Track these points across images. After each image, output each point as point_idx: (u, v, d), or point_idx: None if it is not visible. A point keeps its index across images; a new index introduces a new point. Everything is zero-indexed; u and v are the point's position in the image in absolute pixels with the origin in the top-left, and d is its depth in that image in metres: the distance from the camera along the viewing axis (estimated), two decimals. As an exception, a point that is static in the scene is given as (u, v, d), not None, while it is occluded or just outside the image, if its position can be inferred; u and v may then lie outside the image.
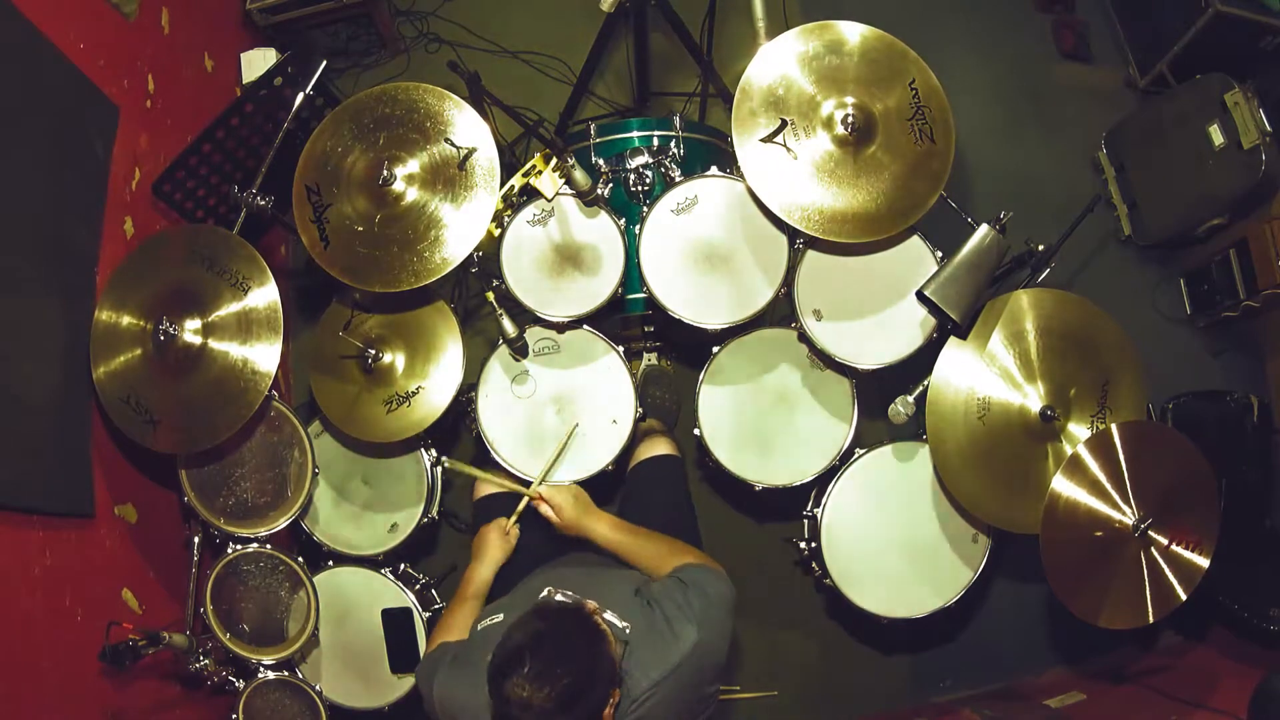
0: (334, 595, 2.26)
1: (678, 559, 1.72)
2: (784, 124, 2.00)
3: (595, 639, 1.39)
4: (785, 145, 1.99)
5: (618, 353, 2.23)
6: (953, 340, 2.07)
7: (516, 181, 2.13)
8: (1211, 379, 2.87)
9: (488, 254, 2.16)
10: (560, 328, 2.23)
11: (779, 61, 2.02)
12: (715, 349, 2.25)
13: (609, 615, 1.53)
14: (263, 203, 2.14)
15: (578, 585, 1.72)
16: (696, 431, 2.25)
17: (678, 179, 2.16)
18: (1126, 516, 1.91)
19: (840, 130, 1.99)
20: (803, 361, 2.26)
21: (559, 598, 1.56)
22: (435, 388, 2.15)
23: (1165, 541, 1.94)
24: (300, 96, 2.20)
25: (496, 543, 2.06)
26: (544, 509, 2.00)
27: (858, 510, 2.22)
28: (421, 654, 2.22)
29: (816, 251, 2.13)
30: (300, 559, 2.19)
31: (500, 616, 1.66)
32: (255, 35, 2.88)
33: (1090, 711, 2.42)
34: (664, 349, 2.76)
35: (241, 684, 2.17)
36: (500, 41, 3.16)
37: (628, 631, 1.52)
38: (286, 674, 2.21)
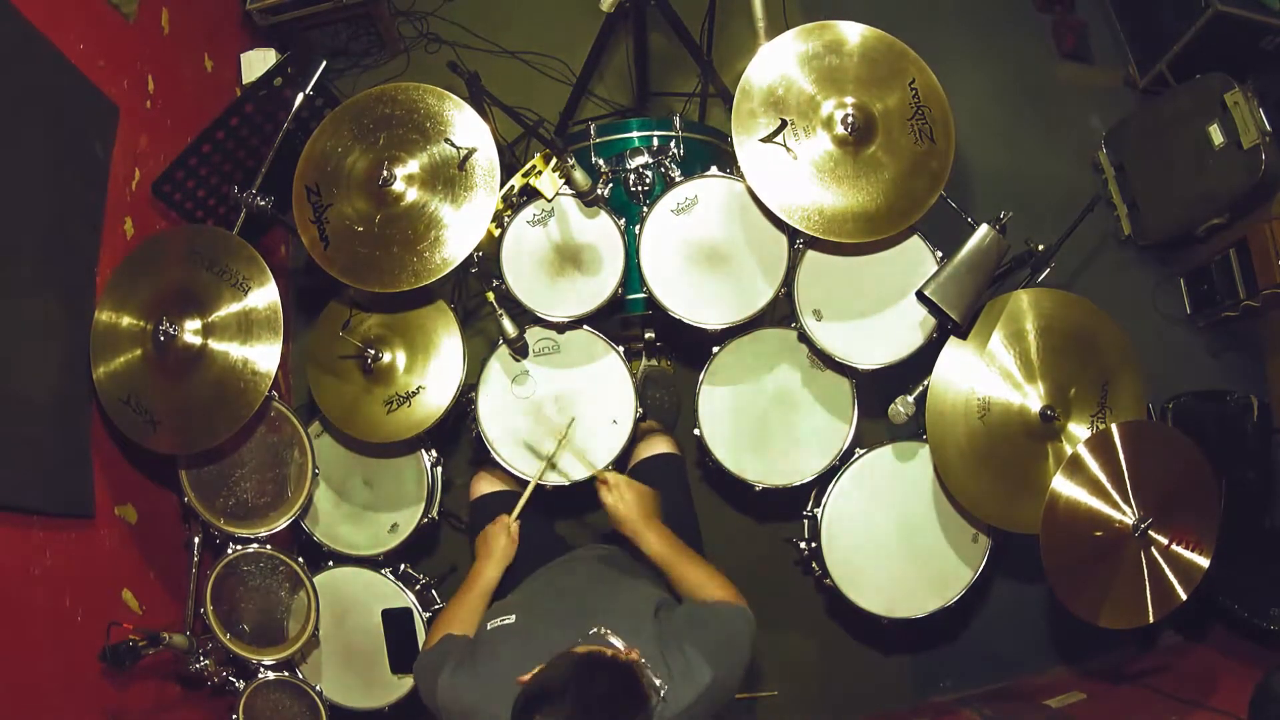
0: (334, 595, 2.26)
1: (711, 592, 1.69)
2: (784, 124, 2.00)
3: (639, 705, 1.32)
4: (785, 145, 1.99)
5: (618, 353, 2.23)
6: (953, 340, 2.07)
7: (516, 181, 2.13)
8: (1211, 379, 2.87)
9: (488, 254, 2.16)
10: (560, 328, 2.23)
11: (779, 61, 2.02)
12: (715, 349, 2.25)
13: (649, 673, 1.44)
14: (263, 203, 2.15)
15: (590, 591, 1.71)
16: (696, 431, 2.25)
17: (678, 179, 2.16)
18: (1126, 516, 1.92)
19: (840, 130, 1.99)
20: (803, 361, 2.26)
21: (612, 641, 1.49)
22: (435, 388, 2.15)
23: (1165, 541, 1.94)
24: (300, 97, 2.20)
25: (504, 542, 1.99)
26: (605, 495, 1.89)
27: (858, 510, 2.21)
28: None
29: (816, 251, 2.13)
30: (300, 559, 2.19)
31: (512, 618, 1.64)
32: (255, 35, 2.88)
33: (1090, 711, 2.42)
34: (664, 349, 2.76)
35: (242, 684, 2.16)
36: (500, 41, 3.16)
37: (665, 691, 1.45)
38: (286, 674, 2.21)
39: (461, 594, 1.93)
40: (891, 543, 2.21)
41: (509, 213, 2.16)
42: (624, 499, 1.88)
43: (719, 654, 1.51)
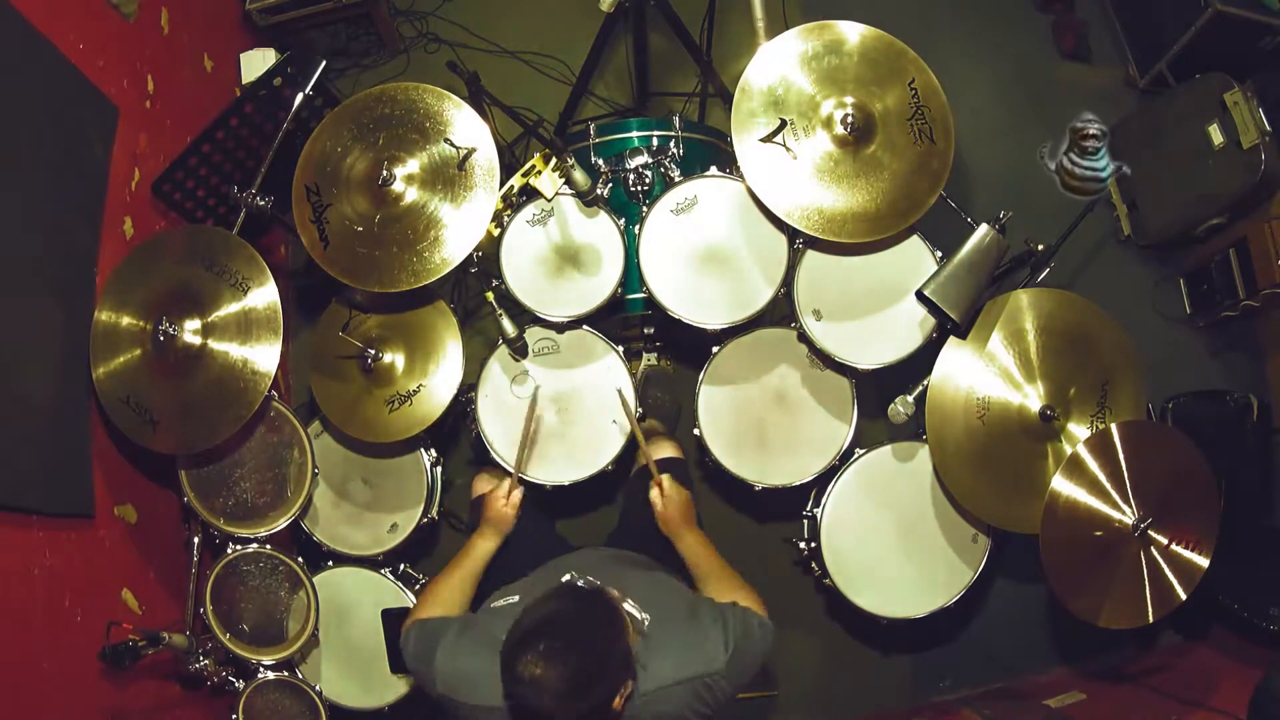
0: (334, 595, 2.26)
1: (739, 596, 1.69)
2: (784, 124, 2.00)
3: (614, 625, 1.37)
4: (785, 145, 2.00)
5: (618, 353, 2.23)
6: (952, 340, 2.07)
7: (516, 181, 2.13)
8: (1211, 379, 2.86)
9: (487, 254, 2.16)
10: (560, 328, 2.23)
11: (779, 61, 2.02)
12: (715, 349, 2.25)
13: (629, 605, 1.49)
14: (262, 203, 2.15)
15: (605, 575, 1.71)
16: (696, 431, 2.25)
17: (677, 179, 2.17)
18: (1126, 516, 1.92)
19: (840, 130, 1.99)
20: (803, 361, 2.26)
21: (581, 582, 1.53)
22: (435, 387, 2.15)
23: (1165, 541, 1.94)
24: (300, 97, 2.20)
25: (503, 512, 1.94)
26: (654, 493, 1.89)
27: (858, 510, 2.21)
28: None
29: (816, 251, 2.13)
30: (300, 559, 2.19)
31: (515, 598, 1.65)
32: (255, 35, 2.88)
33: (1090, 711, 2.42)
34: (664, 349, 2.76)
35: (241, 684, 2.17)
36: (500, 41, 3.16)
37: (647, 624, 1.49)
38: (286, 674, 2.21)
39: (451, 568, 1.89)
40: (891, 543, 2.21)
41: (509, 213, 2.16)
42: (671, 499, 1.88)
43: (738, 646, 1.52)
